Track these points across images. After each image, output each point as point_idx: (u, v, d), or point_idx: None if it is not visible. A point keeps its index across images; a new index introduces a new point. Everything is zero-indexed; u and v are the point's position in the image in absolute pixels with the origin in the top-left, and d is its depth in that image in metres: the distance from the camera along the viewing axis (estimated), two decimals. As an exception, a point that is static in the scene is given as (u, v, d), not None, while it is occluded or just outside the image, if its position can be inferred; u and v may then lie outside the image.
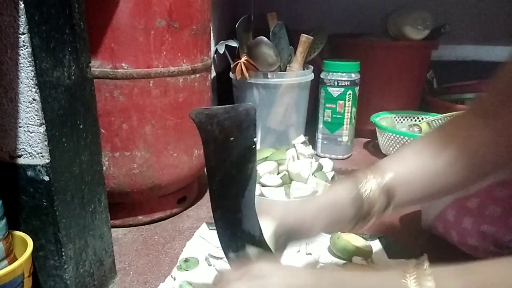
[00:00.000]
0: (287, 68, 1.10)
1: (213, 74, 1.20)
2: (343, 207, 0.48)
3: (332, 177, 0.88)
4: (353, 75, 1.09)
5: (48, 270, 0.51)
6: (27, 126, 0.46)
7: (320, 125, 1.15)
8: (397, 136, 1.06)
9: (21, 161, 0.47)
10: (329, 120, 1.13)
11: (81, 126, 0.52)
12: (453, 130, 0.50)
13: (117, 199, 0.77)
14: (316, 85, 1.15)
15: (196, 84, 0.78)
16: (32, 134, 0.46)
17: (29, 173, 0.47)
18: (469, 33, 1.49)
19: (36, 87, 0.44)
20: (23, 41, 0.43)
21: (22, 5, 0.42)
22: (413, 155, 0.50)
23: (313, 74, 1.12)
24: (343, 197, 0.48)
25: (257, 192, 0.80)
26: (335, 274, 0.41)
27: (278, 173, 0.85)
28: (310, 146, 1.09)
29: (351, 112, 1.12)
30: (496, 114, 0.47)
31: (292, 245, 0.51)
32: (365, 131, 1.30)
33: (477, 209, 0.63)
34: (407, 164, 0.49)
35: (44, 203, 0.48)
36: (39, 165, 0.47)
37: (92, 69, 0.54)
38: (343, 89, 1.09)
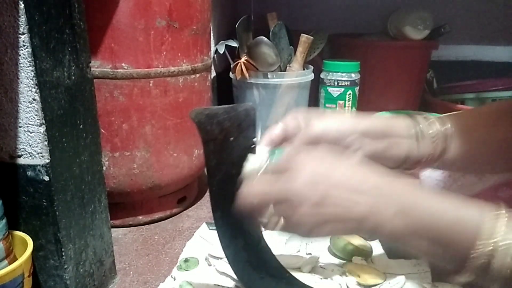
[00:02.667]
0: (287, 68, 1.10)
1: (213, 74, 1.20)
2: (405, 140, 0.45)
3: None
4: (353, 75, 1.09)
5: (48, 270, 0.51)
6: (27, 126, 0.46)
7: (320, 125, 1.15)
8: (397, 136, 1.06)
9: (21, 161, 0.47)
10: (329, 120, 1.13)
11: (81, 126, 0.52)
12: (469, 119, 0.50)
13: (117, 199, 0.77)
14: (316, 85, 1.15)
15: (196, 84, 0.78)
16: (32, 134, 0.46)
17: (29, 173, 0.47)
18: (469, 33, 1.49)
19: (36, 87, 0.44)
20: (23, 41, 0.43)
21: (22, 5, 0.42)
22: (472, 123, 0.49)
23: (313, 74, 1.12)
24: (404, 130, 0.45)
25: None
26: (405, 193, 0.37)
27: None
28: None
29: (351, 112, 1.12)
30: None
31: None
32: (365, 131, 1.30)
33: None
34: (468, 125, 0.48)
35: (44, 203, 0.48)
36: (39, 165, 0.47)
37: (92, 69, 0.54)
38: (343, 89, 1.09)
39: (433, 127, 0.47)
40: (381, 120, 0.47)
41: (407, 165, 0.47)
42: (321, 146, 0.42)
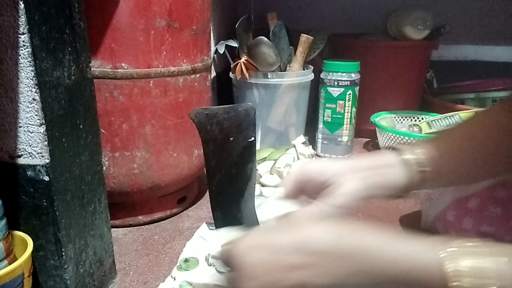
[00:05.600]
0: (287, 68, 1.10)
1: (213, 74, 1.20)
2: (392, 169, 0.47)
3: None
4: (353, 75, 1.09)
5: (48, 270, 0.51)
6: (27, 126, 0.46)
7: (320, 125, 1.15)
8: (397, 136, 1.06)
9: (21, 161, 0.47)
10: (329, 120, 1.13)
11: (81, 126, 0.52)
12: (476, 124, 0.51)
13: (117, 199, 0.77)
14: (316, 85, 1.15)
15: (196, 84, 0.78)
16: (32, 134, 0.46)
17: (29, 173, 0.47)
18: (469, 33, 1.49)
19: (36, 87, 0.44)
20: (23, 41, 0.43)
21: (22, 5, 0.42)
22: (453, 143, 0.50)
23: (313, 74, 1.12)
24: (390, 160, 0.47)
25: (257, 192, 0.80)
26: (357, 240, 0.36)
27: (271, 173, 0.84)
28: (310, 146, 1.09)
29: (351, 112, 1.12)
30: None
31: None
32: (365, 131, 1.30)
33: (477, 210, 0.63)
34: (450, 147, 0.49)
35: (44, 203, 0.48)
36: (39, 165, 0.47)
37: (92, 69, 0.54)
38: (343, 89, 1.09)
39: (417, 153, 0.48)
40: (367, 156, 0.49)
41: (397, 192, 0.48)
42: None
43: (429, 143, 0.49)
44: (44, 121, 0.45)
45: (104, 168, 0.60)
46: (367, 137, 1.32)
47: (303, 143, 0.90)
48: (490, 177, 0.54)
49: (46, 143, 0.46)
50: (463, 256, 0.32)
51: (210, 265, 0.65)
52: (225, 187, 0.46)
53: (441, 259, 0.32)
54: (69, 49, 0.49)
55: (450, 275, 0.31)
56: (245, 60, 1.04)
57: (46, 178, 0.47)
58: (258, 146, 1.09)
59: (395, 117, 1.24)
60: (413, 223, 0.79)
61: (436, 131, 1.08)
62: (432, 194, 0.70)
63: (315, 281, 0.35)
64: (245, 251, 0.37)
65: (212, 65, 1.01)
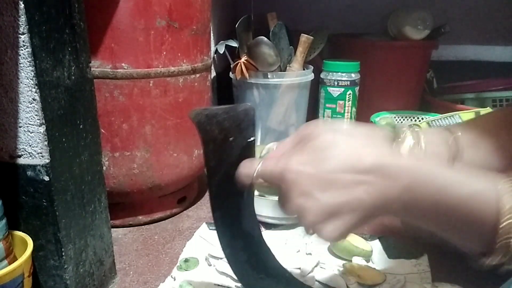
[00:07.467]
0: (287, 68, 1.10)
1: (213, 74, 1.20)
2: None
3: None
4: (353, 75, 1.09)
5: (48, 270, 0.51)
6: (27, 126, 0.46)
7: (320, 125, 1.15)
8: (397, 136, 1.06)
9: (21, 161, 0.47)
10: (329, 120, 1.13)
11: (81, 126, 0.52)
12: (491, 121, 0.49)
13: (117, 199, 0.77)
14: (316, 85, 1.15)
15: (196, 84, 0.78)
16: (32, 134, 0.46)
17: (29, 173, 0.47)
18: (469, 33, 1.49)
19: (36, 87, 0.44)
20: (23, 41, 0.43)
21: (22, 5, 0.42)
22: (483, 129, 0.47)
23: (313, 74, 1.12)
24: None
25: (257, 192, 0.80)
26: (412, 160, 0.35)
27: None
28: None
29: (351, 112, 1.12)
30: None
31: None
32: (365, 131, 1.30)
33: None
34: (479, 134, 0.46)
35: (44, 203, 0.48)
36: (39, 165, 0.47)
37: (92, 69, 0.54)
38: (343, 89, 1.09)
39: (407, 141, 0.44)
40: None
41: None
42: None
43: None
44: (44, 121, 0.45)
45: (104, 168, 0.60)
46: (367, 137, 1.32)
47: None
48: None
49: (46, 143, 0.46)
50: None
51: (210, 265, 0.65)
52: (225, 187, 0.46)
53: (500, 191, 0.31)
54: (69, 49, 0.49)
55: (506, 209, 0.30)
56: (245, 60, 1.04)
57: (46, 178, 0.47)
58: (258, 146, 1.09)
59: (395, 117, 1.24)
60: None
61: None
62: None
63: (367, 199, 0.34)
64: (297, 168, 0.36)
65: (212, 65, 1.01)
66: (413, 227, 0.36)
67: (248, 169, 0.41)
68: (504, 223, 0.30)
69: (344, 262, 0.65)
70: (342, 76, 1.09)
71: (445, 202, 0.33)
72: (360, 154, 0.35)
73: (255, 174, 0.40)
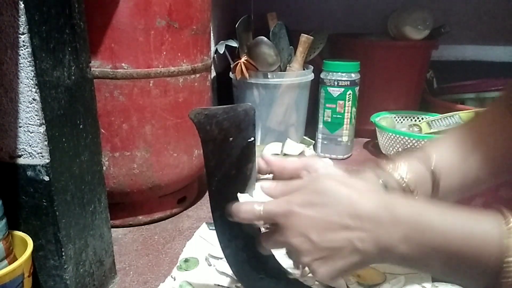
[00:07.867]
0: (287, 68, 1.10)
1: (213, 74, 1.20)
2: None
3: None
4: (353, 75, 1.09)
5: (48, 270, 0.51)
6: (27, 126, 0.46)
7: (320, 125, 1.15)
8: (397, 136, 1.06)
9: (21, 161, 0.47)
10: (329, 120, 1.13)
11: (81, 126, 0.52)
12: (483, 127, 0.49)
13: (117, 199, 0.77)
14: (316, 85, 1.15)
15: (196, 84, 0.79)
16: (32, 134, 0.46)
17: (29, 173, 0.47)
18: (469, 33, 1.49)
19: (36, 87, 0.44)
20: (23, 41, 0.43)
21: (22, 5, 0.42)
22: (449, 148, 0.48)
23: (313, 74, 1.13)
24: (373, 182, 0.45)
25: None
26: (411, 205, 0.36)
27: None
28: (312, 146, 1.09)
29: (351, 112, 1.12)
30: None
31: None
32: (365, 131, 1.30)
33: (482, 209, 0.62)
34: (446, 153, 0.47)
35: (44, 203, 0.48)
36: (39, 165, 0.47)
37: (92, 69, 0.54)
38: (343, 89, 1.09)
39: (401, 170, 0.46)
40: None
41: None
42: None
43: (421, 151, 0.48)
44: (44, 121, 0.46)
45: (104, 168, 0.60)
46: (367, 137, 1.32)
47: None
48: (492, 181, 0.53)
49: (46, 143, 0.46)
50: None
51: (210, 265, 0.65)
52: (224, 187, 0.46)
53: (503, 230, 0.31)
54: (69, 49, 0.49)
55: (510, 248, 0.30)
56: (245, 60, 1.04)
57: (46, 178, 0.47)
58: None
59: (395, 117, 1.24)
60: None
61: (436, 130, 1.08)
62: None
63: (360, 246, 0.35)
64: (299, 210, 0.37)
65: (212, 65, 1.01)
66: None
67: (249, 213, 0.42)
68: (509, 266, 0.31)
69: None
70: (342, 76, 1.09)
71: (447, 244, 0.33)
72: (358, 201, 0.37)
73: (258, 216, 0.41)
